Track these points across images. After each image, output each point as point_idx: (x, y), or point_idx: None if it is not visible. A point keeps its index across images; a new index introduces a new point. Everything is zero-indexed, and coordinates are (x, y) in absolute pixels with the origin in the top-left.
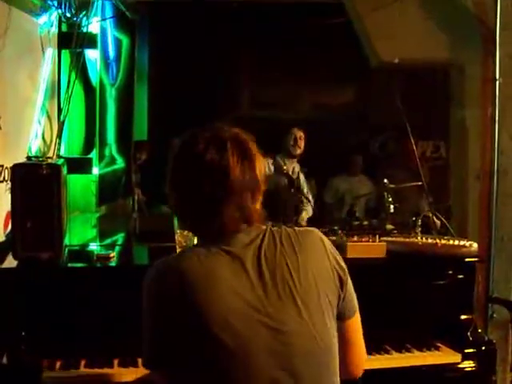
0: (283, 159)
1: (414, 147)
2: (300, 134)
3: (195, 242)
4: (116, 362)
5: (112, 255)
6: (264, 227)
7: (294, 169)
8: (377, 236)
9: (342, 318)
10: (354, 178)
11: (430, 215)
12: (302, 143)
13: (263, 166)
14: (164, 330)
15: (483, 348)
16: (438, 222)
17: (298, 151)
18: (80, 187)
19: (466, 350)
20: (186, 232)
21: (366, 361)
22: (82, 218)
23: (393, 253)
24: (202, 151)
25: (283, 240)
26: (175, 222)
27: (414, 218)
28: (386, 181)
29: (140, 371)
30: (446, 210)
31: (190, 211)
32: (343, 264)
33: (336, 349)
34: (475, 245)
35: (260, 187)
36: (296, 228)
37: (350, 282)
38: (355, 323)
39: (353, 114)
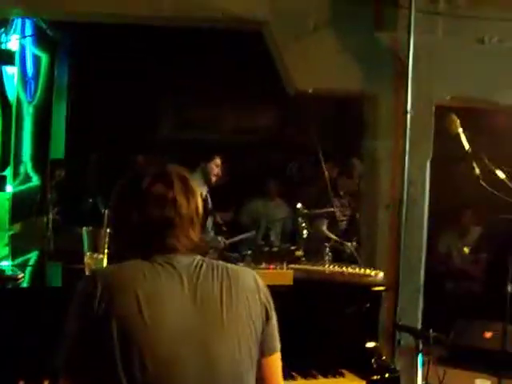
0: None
1: (326, 175)
2: (220, 162)
3: (104, 264)
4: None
5: (21, 276)
6: (198, 256)
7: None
8: (284, 263)
9: (262, 353)
10: (270, 202)
11: (342, 244)
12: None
13: (200, 200)
14: (87, 337)
15: (386, 375)
16: (351, 249)
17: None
18: None
19: (371, 377)
20: (95, 255)
21: None
22: None
23: (300, 280)
24: (149, 185)
25: (219, 271)
26: (85, 243)
27: (325, 244)
28: (299, 206)
29: None
30: (356, 237)
31: (134, 237)
32: (271, 302)
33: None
34: (381, 274)
35: (199, 219)
36: (229, 264)
37: (274, 319)
38: (274, 362)
39: (271, 137)
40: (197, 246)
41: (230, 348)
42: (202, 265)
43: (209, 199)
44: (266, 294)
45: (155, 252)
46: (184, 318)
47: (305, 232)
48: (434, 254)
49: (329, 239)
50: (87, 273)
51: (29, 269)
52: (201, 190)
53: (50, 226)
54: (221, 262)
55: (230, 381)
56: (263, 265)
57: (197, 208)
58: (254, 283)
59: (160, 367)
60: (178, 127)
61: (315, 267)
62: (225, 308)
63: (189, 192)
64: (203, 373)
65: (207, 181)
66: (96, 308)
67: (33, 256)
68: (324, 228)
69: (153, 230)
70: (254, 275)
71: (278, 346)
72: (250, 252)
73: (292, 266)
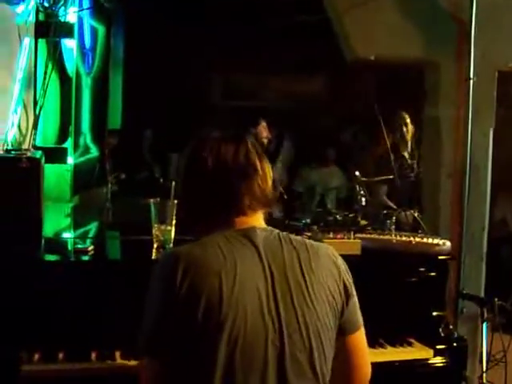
0: None
1: (387, 143)
2: (266, 124)
3: (172, 236)
4: (94, 355)
5: (91, 249)
6: (276, 230)
7: None
8: (352, 233)
9: (344, 332)
10: (325, 169)
11: (401, 212)
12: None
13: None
14: (170, 318)
15: (455, 344)
16: (410, 217)
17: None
18: (54, 176)
19: (438, 346)
20: (163, 226)
21: None
22: (56, 208)
23: (367, 250)
24: (221, 144)
25: (298, 247)
26: (152, 215)
27: (385, 212)
28: (357, 173)
29: (118, 365)
30: (418, 206)
31: (209, 202)
32: (351, 280)
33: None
34: (448, 243)
35: (271, 177)
36: (307, 240)
37: (355, 296)
38: (359, 338)
39: (325, 104)
40: (272, 203)
41: (310, 326)
42: (280, 239)
43: None
44: (345, 271)
45: (232, 215)
46: (263, 295)
47: (363, 200)
48: (490, 219)
49: (387, 207)
50: (155, 245)
51: (91, 241)
52: None
53: (109, 196)
54: (299, 238)
55: (309, 353)
56: (331, 234)
57: (268, 167)
58: (334, 260)
59: (240, 347)
60: (227, 96)
61: (382, 236)
62: (304, 285)
63: (259, 152)
64: (281, 350)
65: (260, 145)
66: (177, 289)
67: (92, 227)
68: (383, 195)
69: (228, 182)
70: (333, 251)
71: (361, 322)
72: (309, 220)
73: (359, 235)
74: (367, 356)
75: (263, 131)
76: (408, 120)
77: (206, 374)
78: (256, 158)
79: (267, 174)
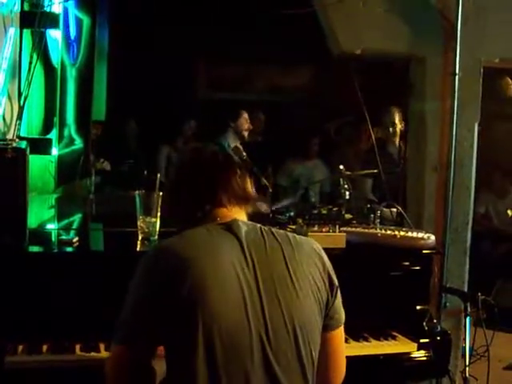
0: (232, 141)
1: (373, 137)
2: (247, 116)
3: (157, 228)
4: (78, 347)
5: (76, 240)
6: (258, 224)
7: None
8: (337, 226)
9: (326, 328)
10: (309, 162)
11: (384, 207)
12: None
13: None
14: (151, 307)
15: (438, 338)
16: (394, 211)
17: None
18: (38, 168)
19: (422, 340)
20: (148, 218)
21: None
22: (40, 199)
23: (352, 243)
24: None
25: (281, 240)
26: (137, 207)
27: (368, 206)
28: (342, 167)
29: (102, 357)
30: (403, 200)
31: (192, 201)
32: (334, 274)
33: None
34: (433, 237)
35: (251, 180)
36: (290, 233)
37: (339, 292)
38: (341, 333)
39: (307, 97)
40: (252, 200)
41: (295, 317)
42: (262, 233)
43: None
44: (329, 264)
45: (210, 207)
46: (245, 287)
47: (347, 193)
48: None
49: (370, 201)
50: (140, 236)
51: (75, 232)
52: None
53: (93, 188)
54: (281, 231)
55: (294, 345)
56: (315, 227)
57: (245, 174)
58: (318, 252)
59: (223, 339)
60: (213, 88)
61: (367, 230)
62: (288, 277)
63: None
64: (266, 343)
65: (241, 138)
66: (157, 283)
67: (76, 219)
68: (369, 189)
69: (203, 172)
70: (317, 245)
71: (343, 319)
72: (293, 214)
73: (344, 228)
74: (344, 353)
75: (244, 123)
76: (398, 116)
77: (186, 365)
78: (234, 162)
79: (246, 176)
